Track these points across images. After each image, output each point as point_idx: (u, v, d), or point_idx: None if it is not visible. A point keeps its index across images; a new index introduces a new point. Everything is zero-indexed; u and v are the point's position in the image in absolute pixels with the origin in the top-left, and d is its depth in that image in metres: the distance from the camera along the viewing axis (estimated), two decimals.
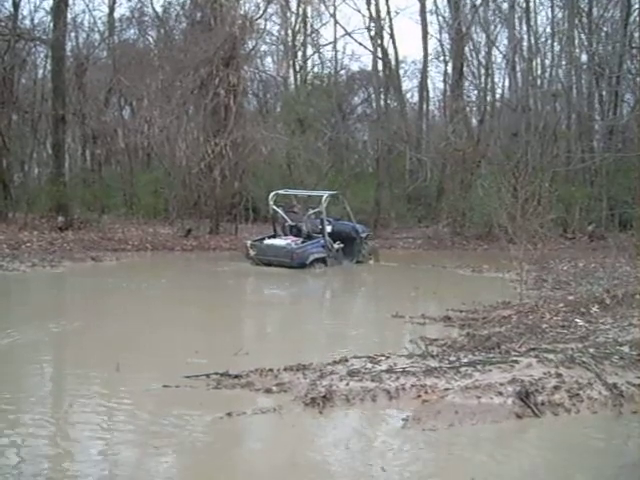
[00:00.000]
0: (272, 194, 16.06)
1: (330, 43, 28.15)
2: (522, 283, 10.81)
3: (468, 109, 24.89)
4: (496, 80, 25.91)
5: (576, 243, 18.91)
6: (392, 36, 25.00)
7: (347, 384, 5.73)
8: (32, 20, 22.78)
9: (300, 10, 28.51)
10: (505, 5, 24.56)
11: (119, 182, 24.19)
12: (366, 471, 4.52)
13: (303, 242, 14.93)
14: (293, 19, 28.78)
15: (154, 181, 22.74)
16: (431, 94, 28.70)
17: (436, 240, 20.48)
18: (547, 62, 24.34)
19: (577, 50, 23.50)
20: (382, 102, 25.24)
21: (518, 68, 23.82)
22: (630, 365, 6.07)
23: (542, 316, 8.67)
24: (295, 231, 15.50)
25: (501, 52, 25.82)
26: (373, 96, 26.81)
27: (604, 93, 23.98)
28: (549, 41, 24.42)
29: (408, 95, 28.93)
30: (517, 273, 11.29)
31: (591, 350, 6.50)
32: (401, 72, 27.10)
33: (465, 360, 6.38)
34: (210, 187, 19.48)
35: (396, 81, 25.59)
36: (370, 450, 4.99)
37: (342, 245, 15.22)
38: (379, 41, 24.85)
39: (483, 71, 25.19)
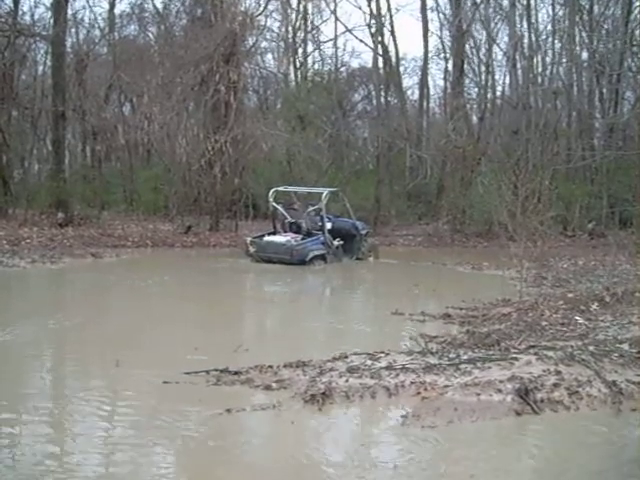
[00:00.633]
0: (272, 191, 16.06)
1: (330, 40, 28.14)
2: (522, 281, 10.81)
3: (468, 106, 24.87)
4: (497, 78, 25.93)
5: (576, 241, 18.90)
6: (393, 33, 25.03)
7: (346, 381, 5.73)
8: (32, 16, 22.80)
9: (301, 7, 28.52)
10: (506, 2, 24.53)
11: (119, 178, 24.20)
12: (366, 468, 4.53)
13: (303, 239, 14.92)
14: (294, 16, 28.78)
15: (154, 177, 22.73)
16: (431, 91, 28.74)
17: (436, 237, 20.48)
18: (548, 60, 24.35)
19: (578, 48, 23.50)
20: (382, 99, 25.22)
21: (519, 65, 23.80)
22: (630, 363, 6.08)
23: (542, 314, 8.67)
24: (295, 228, 15.50)
25: (502, 49, 25.83)
26: (373, 93, 26.80)
27: (605, 91, 23.96)
28: (550, 39, 24.42)
29: (408, 92, 28.95)
30: (517, 271, 11.29)
31: (591, 348, 6.51)
32: (401, 69, 27.14)
33: (465, 357, 6.39)
34: (210, 184, 19.47)
35: (396, 78, 25.57)
36: (369, 447, 4.99)
37: (342, 242, 15.22)
38: (380, 38, 24.84)
39: (484, 68, 25.20)
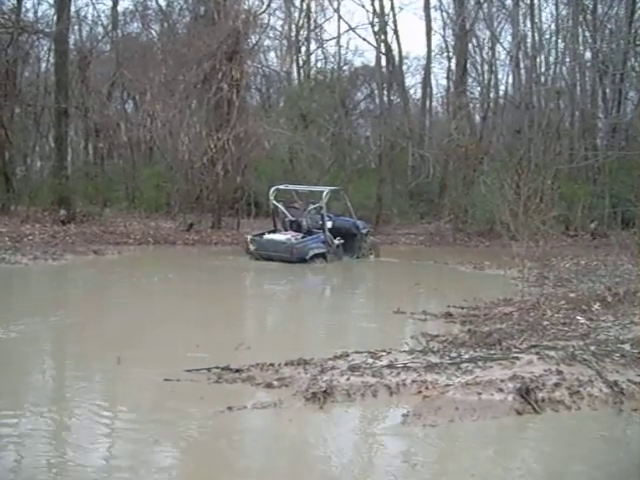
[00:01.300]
0: (272, 189, 16.06)
1: (333, 38, 28.12)
2: (524, 280, 10.82)
3: (471, 106, 24.85)
4: (499, 77, 25.93)
5: (578, 241, 18.89)
6: (396, 32, 25.00)
7: (348, 379, 5.73)
8: (35, 13, 22.88)
9: (304, 5, 28.48)
10: (509, 1, 24.50)
11: (121, 176, 24.21)
12: (367, 467, 4.53)
13: (303, 237, 14.91)
14: (297, 14, 28.75)
15: (156, 175, 22.73)
16: (434, 90, 28.74)
17: (438, 236, 20.47)
18: (551, 59, 24.32)
19: (581, 47, 23.46)
20: (385, 98, 25.21)
21: (522, 65, 23.79)
22: (631, 363, 6.07)
23: (543, 313, 8.66)
24: (295, 226, 15.47)
25: (505, 49, 25.79)
26: (376, 92, 26.74)
27: (608, 91, 23.92)
28: (553, 38, 24.40)
29: (411, 91, 28.97)
30: (519, 270, 11.29)
31: (592, 348, 6.50)
32: (404, 68, 27.13)
33: (466, 356, 6.38)
34: (212, 181, 19.47)
35: (399, 77, 25.56)
36: (370, 445, 5.00)
37: (342, 241, 15.18)
38: (383, 37, 24.80)
39: (486, 68, 25.19)
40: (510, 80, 25.79)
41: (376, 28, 24.86)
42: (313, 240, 14.87)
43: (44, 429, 4.96)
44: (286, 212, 15.90)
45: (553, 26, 24.38)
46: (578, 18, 22.99)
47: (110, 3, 25.78)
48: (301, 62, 28.85)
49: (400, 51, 25.19)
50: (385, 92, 25.18)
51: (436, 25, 26.57)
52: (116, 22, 25.01)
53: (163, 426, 5.06)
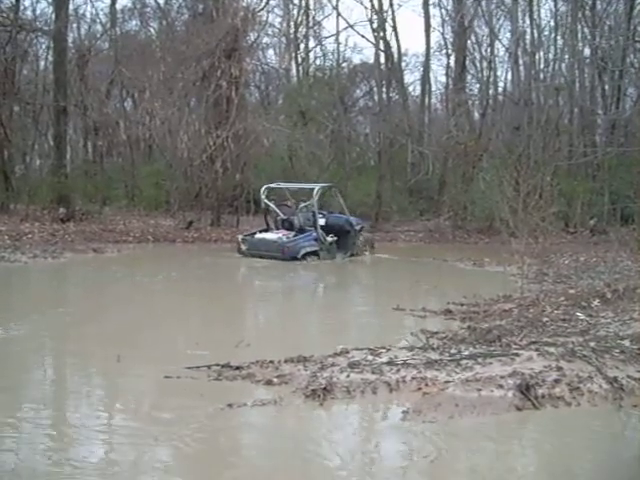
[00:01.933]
0: (263, 188, 15.94)
1: (332, 35, 28.22)
2: (523, 277, 10.81)
3: (470, 102, 24.85)
4: (498, 73, 25.94)
5: (577, 237, 18.88)
6: (395, 29, 24.95)
7: (348, 376, 5.73)
8: (34, 11, 22.90)
9: (302, 2, 28.47)
10: None
11: (120, 174, 24.22)
12: (367, 463, 4.53)
13: (295, 236, 14.78)
14: (295, 11, 28.77)
15: (156, 173, 22.74)
16: (433, 87, 28.71)
17: (437, 233, 20.48)
18: (550, 56, 24.28)
19: (580, 44, 23.42)
20: (384, 95, 25.18)
21: (521, 62, 23.78)
22: (631, 359, 6.07)
23: (543, 310, 8.66)
24: (287, 225, 15.33)
25: (504, 45, 25.78)
26: (375, 89, 26.73)
27: (607, 87, 23.88)
28: (552, 35, 24.36)
29: (410, 88, 28.94)
30: (518, 267, 11.29)
31: (592, 344, 6.50)
32: (403, 65, 27.11)
33: (466, 353, 6.38)
34: (211, 179, 19.46)
35: (398, 74, 25.53)
36: (370, 442, 5.00)
37: (335, 238, 15.02)
38: (381, 34, 24.76)
39: (485, 64, 25.16)
40: (509, 77, 25.81)
41: (375, 25, 24.85)
42: (305, 238, 14.73)
43: (43, 427, 4.96)
44: (278, 210, 15.78)
45: (552, 23, 24.37)
46: (577, 14, 22.96)
47: (108, 1, 25.76)
48: (300, 59, 28.85)
49: (399, 48, 25.17)
50: (384, 89, 25.15)
51: (435, 22, 26.76)
52: (114, 20, 24.97)
53: (163, 423, 5.06)
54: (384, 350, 6.50)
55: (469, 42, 25.04)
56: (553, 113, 22.45)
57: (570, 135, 23.05)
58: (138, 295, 10.75)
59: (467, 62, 24.91)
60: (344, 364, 6.03)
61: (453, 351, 6.50)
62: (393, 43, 24.97)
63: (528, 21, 23.70)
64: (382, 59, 25.02)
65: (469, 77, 25.67)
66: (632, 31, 21.83)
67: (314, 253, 14.66)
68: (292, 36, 28.61)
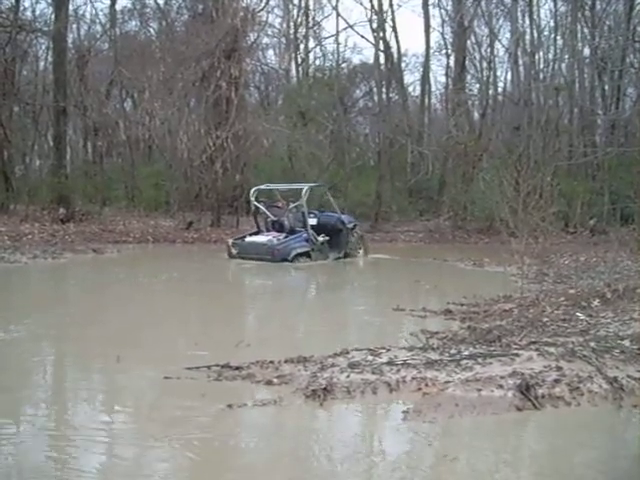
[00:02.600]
0: (253, 190, 15.81)
1: (332, 36, 28.18)
2: (523, 277, 10.80)
3: (470, 102, 24.88)
4: (498, 74, 26.01)
5: (577, 237, 18.87)
6: (394, 29, 25.03)
7: (348, 376, 5.72)
8: (33, 12, 22.92)
9: (302, 3, 28.49)
10: None
11: (120, 174, 24.22)
12: (367, 464, 4.53)
13: (285, 237, 14.58)
14: (295, 12, 28.82)
15: (155, 173, 22.76)
16: (433, 87, 28.79)
17: (437, 233, 20.49)
18: (550, 56, 24.36)
19: (580, 44, 23.47)
20: (384, 95, 25.20)
21: (520, 62, 23.82)
22: (631, 359, 6.06)
23: (543, 310, 8.65)
24: (278, 226, 15.10)
25: (503, 45, 25.86)
26: (375, 89, 26.77)
27: (606, 87, 23.92)
28: (552, 35, 24.45)
29: (410, 88, 28.99)
30: (518, 267, 11.28)
31: (592, 344, 6.50)
32: (403, 65, 27.20)
33: (466, 353, 6.37)
34: (211, 180, 19.48)
35: (398, 74, 25.57)
36: (370, 442, 5.00)
37: (327, 238, 14.80)
38: (381, 34, 24.81)
39: (485, 64, 25.21)
40: (509, 77, 25.88)
41: (374, 25, 24.90)
42: (295, 239, 14.52)
43: (43, 427, 4.96)
44: (268, 212, 15.58)
45: (552, 23, 24.46)
46: (577, 15, 22.99)
47: (108, 1, 25.81)
48: (300, 60, 28.88)
49: (399, 48, 25.25)
50: (384, 89, 25.17)
51: (434, 22, 26.79)
52: (114, 20, 24.99)
53: (163, 424, 5.05)
54: (384, 350, 6.49)
55: (469, 42, 25.09)
56: (553, 113, 22.47)
57: (570, 135, 23.08)
58: (138, 295, 10.75)
59: (467, 62, 24.96)
60: (344, 364, 6.02)
61: (453, 351, 6.49)
62: (393, 43, 25.07)
63: (528, 21, 23.79)
64: (382, 59, 25.09)
65: (469, 77, 25.76)
66: (632, 31, 21.85)
67: (306, 254, 14.47)
68: (292, 36, 28.65)
